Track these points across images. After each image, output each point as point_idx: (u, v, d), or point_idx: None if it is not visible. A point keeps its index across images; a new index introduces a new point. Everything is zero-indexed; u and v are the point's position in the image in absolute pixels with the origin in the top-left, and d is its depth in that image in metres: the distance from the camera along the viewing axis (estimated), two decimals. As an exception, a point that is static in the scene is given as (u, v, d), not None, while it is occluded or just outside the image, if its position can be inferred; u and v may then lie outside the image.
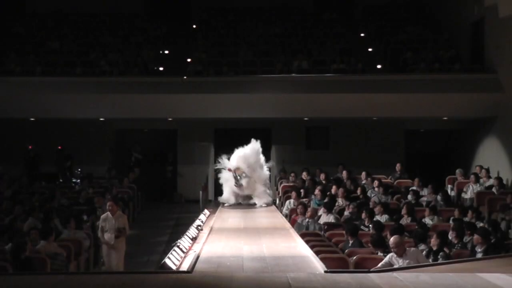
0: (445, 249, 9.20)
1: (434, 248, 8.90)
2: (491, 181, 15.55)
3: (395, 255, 8.22)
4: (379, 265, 8.15)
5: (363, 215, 11.57)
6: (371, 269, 6.94)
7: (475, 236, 9.44)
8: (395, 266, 8.04)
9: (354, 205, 12.46)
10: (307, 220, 11.67)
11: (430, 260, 8.73)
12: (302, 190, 14.84)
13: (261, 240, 9.29)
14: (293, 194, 14.20)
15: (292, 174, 16.97)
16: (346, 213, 12.60)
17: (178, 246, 7.82)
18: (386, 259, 8.28)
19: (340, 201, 13.62)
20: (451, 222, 11.50)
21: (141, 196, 18.12)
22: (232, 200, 15.46)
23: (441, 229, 9.94)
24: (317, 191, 14.10)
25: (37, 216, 11.98)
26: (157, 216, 17.50)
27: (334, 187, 14.61)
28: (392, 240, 8.37)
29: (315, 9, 23.33)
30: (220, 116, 18.08)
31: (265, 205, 15.33)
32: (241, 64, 19.52)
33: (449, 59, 19.08)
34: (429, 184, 14.79)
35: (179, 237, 8.74)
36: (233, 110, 17.69)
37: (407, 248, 8.36)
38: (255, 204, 15.36)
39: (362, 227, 11.25)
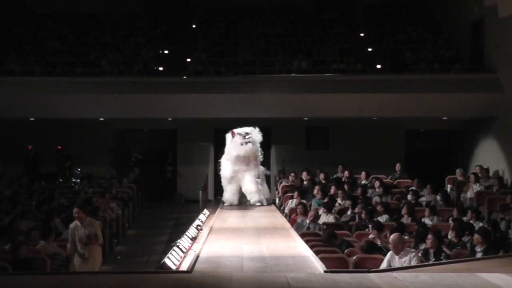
0: (445, 250, 9.21)
1: (432, 250, 8.92)
2: (490, 181, 15.56)
3: (393, 253, 8.34)
4: (383, 263, 8.31)
5: (363, 216, 11.58)
6: (371, 269, 6.93)
7: (475, 236, 9.45)
8: (393, 264, 8.14)
9: (361, 206, 12.39)
10: (308, 221, 11.66)
11: (431, 260, 8.74)
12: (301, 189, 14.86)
13: (261, 240, 9.28)
14: (296, 194, 14.16)
15: (292, 174, 16.95)
16: (348, 213, 12.62)
17: (177, 246, 7.81)
18: (388, 256, 8.42)
19: (339, 201, 13.61)
20: (450, 222, 11.51)
21: (141, 196, 18.12)
22: (235, 201, 15.19)
23: (436, 229, 9.91)
24: (317, 191, 14.11)
25: (31, 217, 11.99)
26: (157, 216, 17.50)
27: (333, 187, 14.62)
28: (391, 237, 8.50)
29: (315, 9, 23.34)
30: (220, 116, 18.09)
31: (259, 203, 15.01)
32: (241, 64, 19.53)
33: (449, 59, 19.08)
34: (428, 184, 14.79)
35: (179, 237, 8.74)
36: (233, 110, 17.69)
37: (406, 248, 8.43)
38: (256, 203, 15.00)
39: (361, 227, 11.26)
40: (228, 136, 15.06)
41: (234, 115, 17.96)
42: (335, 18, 22.48)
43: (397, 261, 8.20)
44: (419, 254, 8.75)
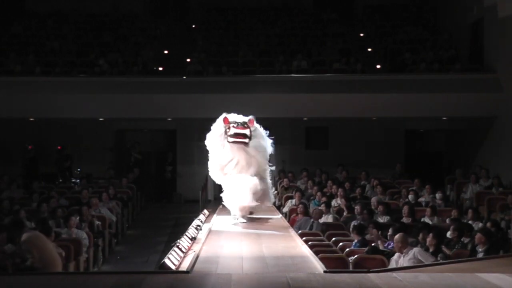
0: (445, 250, 9.22)
1: (431, 249, 8.94)
2: (490, 181, 15.56)
3: (398, 254, 8.53)
4: (391, 263, 8.49)
5: (364, 216, 11.60)
6: (371, 269, 6.94)
7: (477, 236, 9.46)
8: (400, 264, 8.23)
9: (360, 205, 12.40)
10: (311, 220, 11.69)
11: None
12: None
13: (260, 240, 9.26)
14: (297, 195, 14.12)
15: (290, 174, 16.91)
16: (344, 213, 12.64)
17: (177, 246, 7.80)
18: (395, 256, 8.59)
19: (338, 201, 13.60)
20: (448, 221, 11.53)
21: (140, 196, 18.12)
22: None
23: (437, 229, 9.95)
24: (315, 192, 14.13)
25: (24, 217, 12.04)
26: (156, 216, 17.51)
27: (334, 187, 14.66)
28: (395, 237, 8.70)
29: (315, 9, 23.35)
30: (219, 116, 18.04)
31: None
32: (240, 64, 19.52)
33: (448, 59, 19.09)
34: (428, 184, 14.80)
35: (179, 237, 8.73)
36: (232, 110, 17.59)
37: (410, 247, 8.53)
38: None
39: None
40: (219, 123, 10.75)
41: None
42: (335, 18, 22.49)
43: (403, 260, 8.30)
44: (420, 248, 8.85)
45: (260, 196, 10.52)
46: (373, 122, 19.63)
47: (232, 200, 10.48)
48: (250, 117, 10.56)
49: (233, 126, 10.17)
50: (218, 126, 10.60)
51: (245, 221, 10.64)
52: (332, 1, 23.37)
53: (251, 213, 10.95)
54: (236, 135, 10.08)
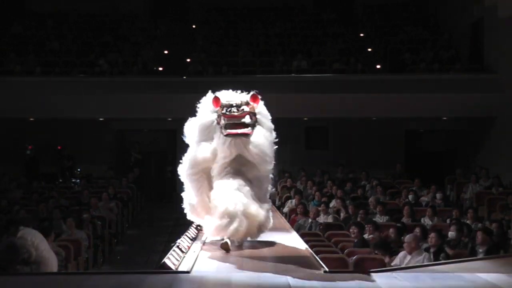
0: (447, 250, 9.24)
1: (434, 248, 8.96)
2: (490, 181, 15.57)
3: (406, 253, 8.59)
4: (395, 261, 8.61)
5: (362, 216, 11.62)
6: (371, 269, 6.94)
7: (477, 236, 9.47)
8: (405, 263, 8.27)
9: (353, 204, 12.45)
10: (310, 220, 11.70)
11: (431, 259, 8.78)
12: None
13: (260, 240, 9.26)
14: (297, 197, 14.09)
15: (287, 174, 16.89)
16: (342, 213, 12.66)
17: (177, 246, 7.79)
18: (400, 255, 8.67)
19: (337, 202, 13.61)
20: (447, 221, 11.54)
21: (140, 196, 18.11)
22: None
23: (438, 228, 9.97)
24: (314, 192, 14.14)
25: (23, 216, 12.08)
26: (156, 216, 17.50)
27: (334, 188, 14.67)
28: (406, 237, 8.82)
29: (315, 9, 23.35)
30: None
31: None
32: (240, 64, 19.52)
33: (448, 59, 19.10)
34: (428, 184, 14.81)
35: (179, 237, 8.72)
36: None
37: (420, 249, 8.58)
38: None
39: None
40: (207, 107, 7.88)
41: (234, 115, 17.91)
42: (334, 18, 22.49)
43: (409, 261, 8.31)
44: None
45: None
46: (373, 122, 19.63)
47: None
48: (253, 92, 7.70)
49: (225, 115, 7.28)
50: (205, 111, 7.76)
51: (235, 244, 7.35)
52: (332, 1, 23.36)
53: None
54: (231, 125, 7.12)
